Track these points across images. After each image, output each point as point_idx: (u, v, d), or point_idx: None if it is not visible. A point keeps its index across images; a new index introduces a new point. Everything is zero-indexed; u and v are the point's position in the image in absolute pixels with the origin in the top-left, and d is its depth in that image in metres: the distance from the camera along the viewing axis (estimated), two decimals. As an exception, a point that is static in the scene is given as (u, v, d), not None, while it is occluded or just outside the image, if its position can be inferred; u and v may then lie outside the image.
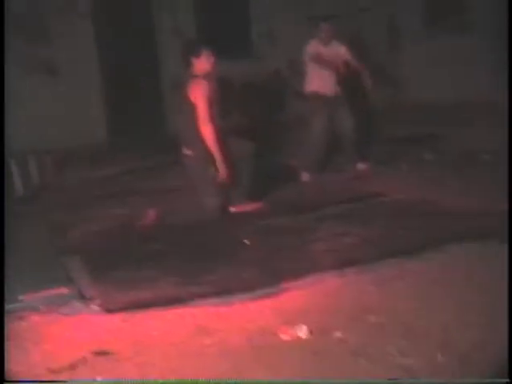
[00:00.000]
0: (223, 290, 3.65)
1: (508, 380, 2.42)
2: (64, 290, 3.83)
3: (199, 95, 5.20)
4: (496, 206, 4.72)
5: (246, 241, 4.58)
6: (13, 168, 6.95)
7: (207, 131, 5.19)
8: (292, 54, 10.11)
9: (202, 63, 5.32)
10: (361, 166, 6.88)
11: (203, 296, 3.60)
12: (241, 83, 9.63)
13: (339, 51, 6.75)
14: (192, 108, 5.23)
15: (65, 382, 2.81)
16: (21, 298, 3.75)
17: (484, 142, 7.05)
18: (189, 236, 4.96)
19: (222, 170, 5.25)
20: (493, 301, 3.23)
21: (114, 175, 7.43)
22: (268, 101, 9.64)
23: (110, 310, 3.53)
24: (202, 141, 5.23)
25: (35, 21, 8.92)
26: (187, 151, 5.42)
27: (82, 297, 3.74)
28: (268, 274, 3.89)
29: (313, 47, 6.71)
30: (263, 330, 3.16)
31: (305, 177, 6.77)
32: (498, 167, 6.19)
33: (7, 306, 3.57)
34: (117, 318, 3.45)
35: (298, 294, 3.61)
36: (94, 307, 3.61)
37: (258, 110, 8.48)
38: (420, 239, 4.32)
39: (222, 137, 5.30)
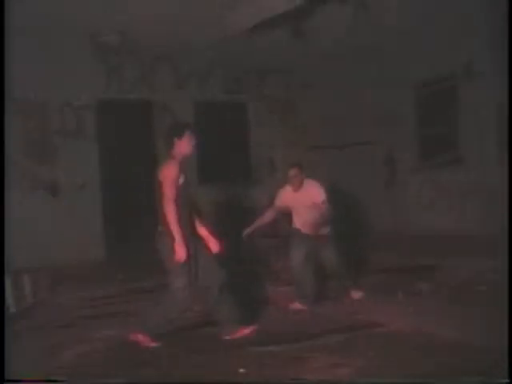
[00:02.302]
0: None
1: (508, 380, 2.36)
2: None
3: (168, 176, 5.29)
4: (493, 341, 4.68)
5: (241, 370, 4.49)
6: (6, 285, 6.91)
7: (169, 211, 5.23)
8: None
9: (184, 145, 5.46)
10: (355, 294, 6.89)
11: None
12: (235, 207, 9.79)
13: (312, 194, 6.69)
14: (159, 187, 5.33)
15: (65, 381, 2.69)
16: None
17: (480, 273, 7.07)
18: (183, 362, 4.87)
19: (179, 251, 5.21)
20: None
21: (110, 295, 7.38)
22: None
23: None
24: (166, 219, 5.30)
25: (42, 141, 9.20)
26: (160, 227, 5.43)
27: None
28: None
29: (283, 195, 6.84)
30: None
31: (297, 305, 6.73)
32: (494, 299, 6.19)
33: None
34: None
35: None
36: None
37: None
38: (415, 373, 4.24)
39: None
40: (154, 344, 5.34)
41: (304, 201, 6.71)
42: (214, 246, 5.58)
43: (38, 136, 9.21)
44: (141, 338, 5.36)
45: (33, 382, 2.74)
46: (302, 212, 6.79)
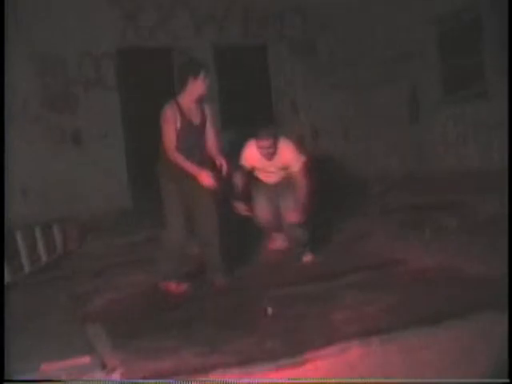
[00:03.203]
0: (246, 360, 3.61)
1: (508, 380, 2.39)
2: (86, 359, 3.80)
3: (168, 122, 5.14)
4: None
5: (269, 309, 4.54)
6: (37, 235, 7.03)
7: (175, 157, 5.13)
8: (315, 121, 10.45)
9: (198, 85, 5.20)
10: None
11: (225, 366, 3.55)
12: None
13: (286, 159, 6.06)
14: (161, 130, 5.21)
15: (65, 381, 2.76)
16: (42, 367, 3.72)
17: (505, 208, 7.00)
18: (212, 304, 4.95)
19: (205, 177, 5.09)
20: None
21: (137, 242, 7.46)
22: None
23: (131, 380, 3.50)
24: (170, 163, 5.18)
25: (62, 91, 9.18)
26: (160, 168, 5.37)
27: (104, 366, 3.72)
28: (291, 343, 3.85)
29: (250, 155, 6.16)
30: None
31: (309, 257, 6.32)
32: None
33: (28, 375, 3.54)
34: (138, 389, 3.42)
35: (321, 365, 3.55)
36: (116, 377, 3.58)
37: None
38: (444, 307, 4.26)
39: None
40: (183, 286, 5.39)
41: (275, 165, 6.15)
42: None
43: (59, 87, 9.18)
44: (168, 285, 5.39)
45: (33, 381, 2.78)
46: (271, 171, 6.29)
